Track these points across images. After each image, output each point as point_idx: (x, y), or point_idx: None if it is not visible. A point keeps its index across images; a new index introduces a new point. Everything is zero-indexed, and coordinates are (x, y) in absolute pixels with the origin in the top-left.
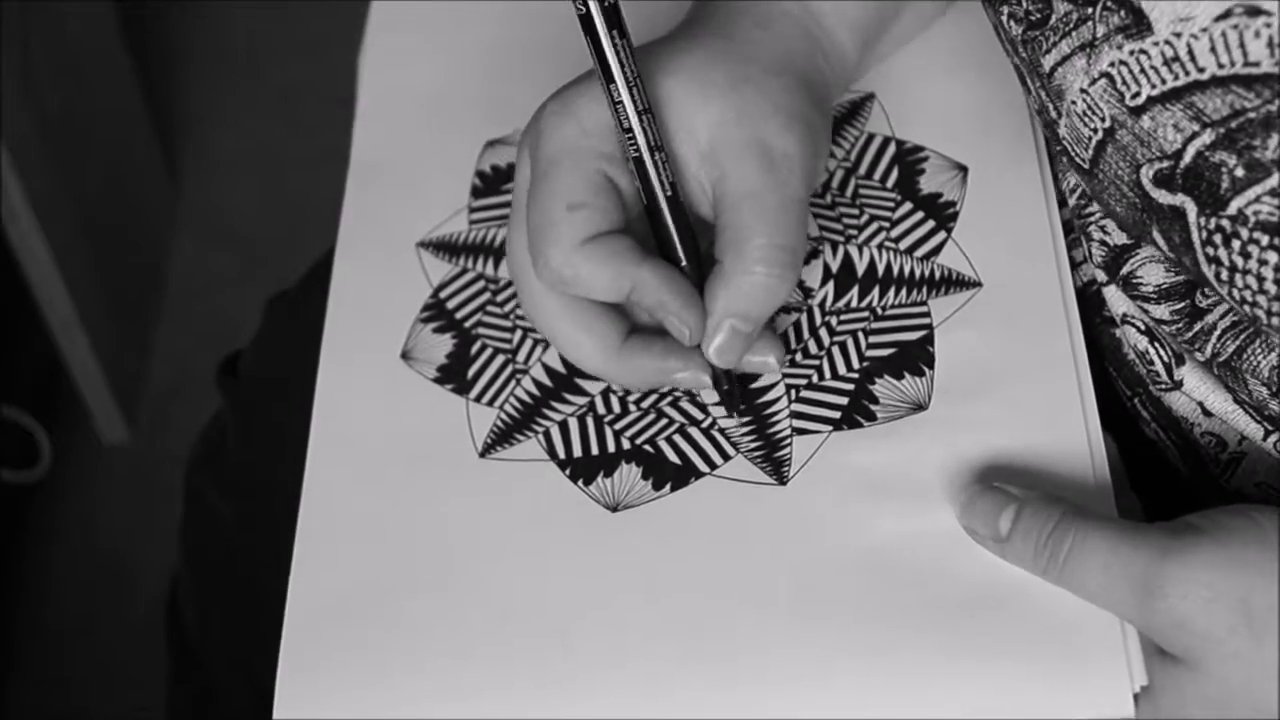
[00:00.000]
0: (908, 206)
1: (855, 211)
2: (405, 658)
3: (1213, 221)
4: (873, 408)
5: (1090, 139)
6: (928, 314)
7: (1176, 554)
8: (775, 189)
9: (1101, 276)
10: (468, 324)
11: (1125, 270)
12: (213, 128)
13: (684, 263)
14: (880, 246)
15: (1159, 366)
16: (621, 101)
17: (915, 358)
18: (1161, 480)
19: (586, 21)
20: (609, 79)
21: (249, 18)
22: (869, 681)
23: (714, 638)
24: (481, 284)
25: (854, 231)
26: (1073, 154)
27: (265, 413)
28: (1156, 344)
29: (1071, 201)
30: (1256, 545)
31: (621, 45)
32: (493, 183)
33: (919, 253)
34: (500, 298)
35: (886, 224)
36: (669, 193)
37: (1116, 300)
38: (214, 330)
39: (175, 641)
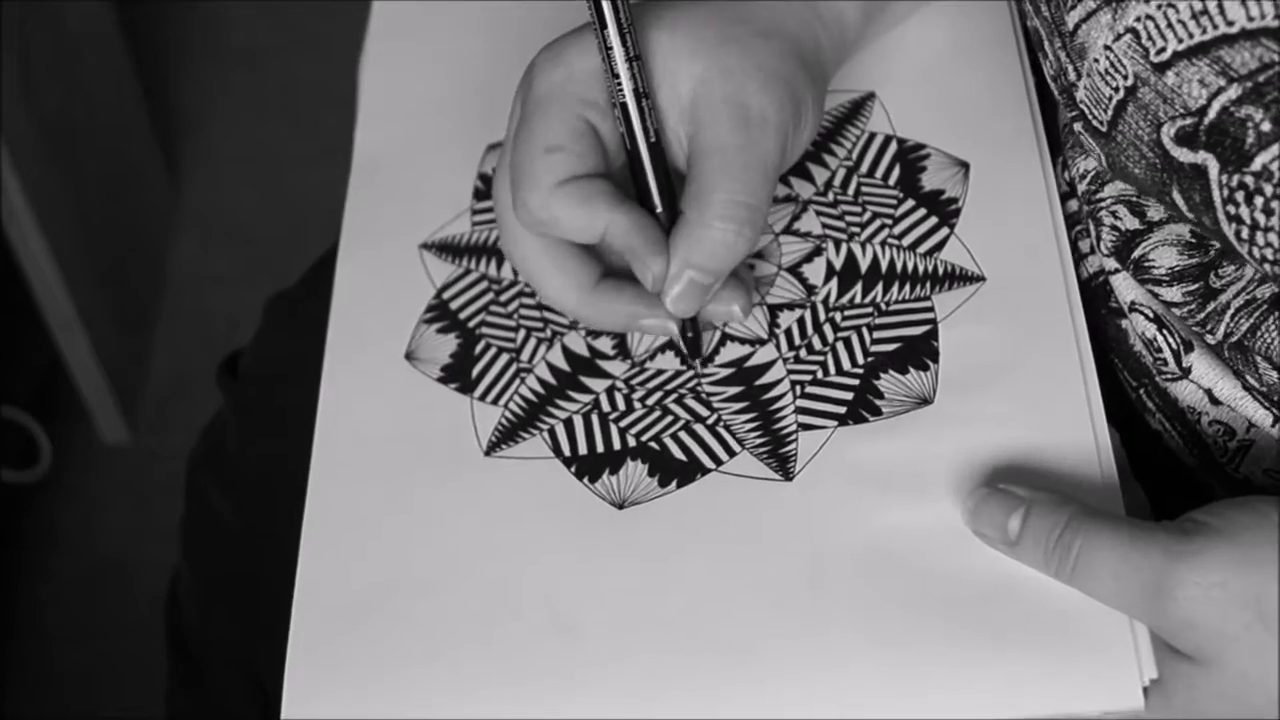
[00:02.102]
0: (910, 203)
1: (858, 209)
2: (413, 657)
3: (1235, 179)
4: (878, 403)
5: (1111, 99)
6: (931, 309)
7: (1187, 556)
8: (745, 147)
9: (1110, 264)
10: (471, 324)
11: (1137, 254)
12: (213, 128)
13: (659, 210)
14: (883, 243)
15: (1167, 354)
16: (612, 46)
17: (920, 352)
18: (1165, 469)
19: None
20: (601, 24)
21: (249, 17)
22: (877, 677)
23: (721, 634)
24: (484, 284)
25: (857, 229)
26: (1090, 117)
27: (266, 412)
28: (1165, 331)
29: (1082, 187)
30: (1266, 542)
31: None
32: None
33: (922, 249)
34: (504, 298)
35: (889, 221)
36: (652, 139)
37: (1125, 288)
38: (214, 330)
39: (176, 641)
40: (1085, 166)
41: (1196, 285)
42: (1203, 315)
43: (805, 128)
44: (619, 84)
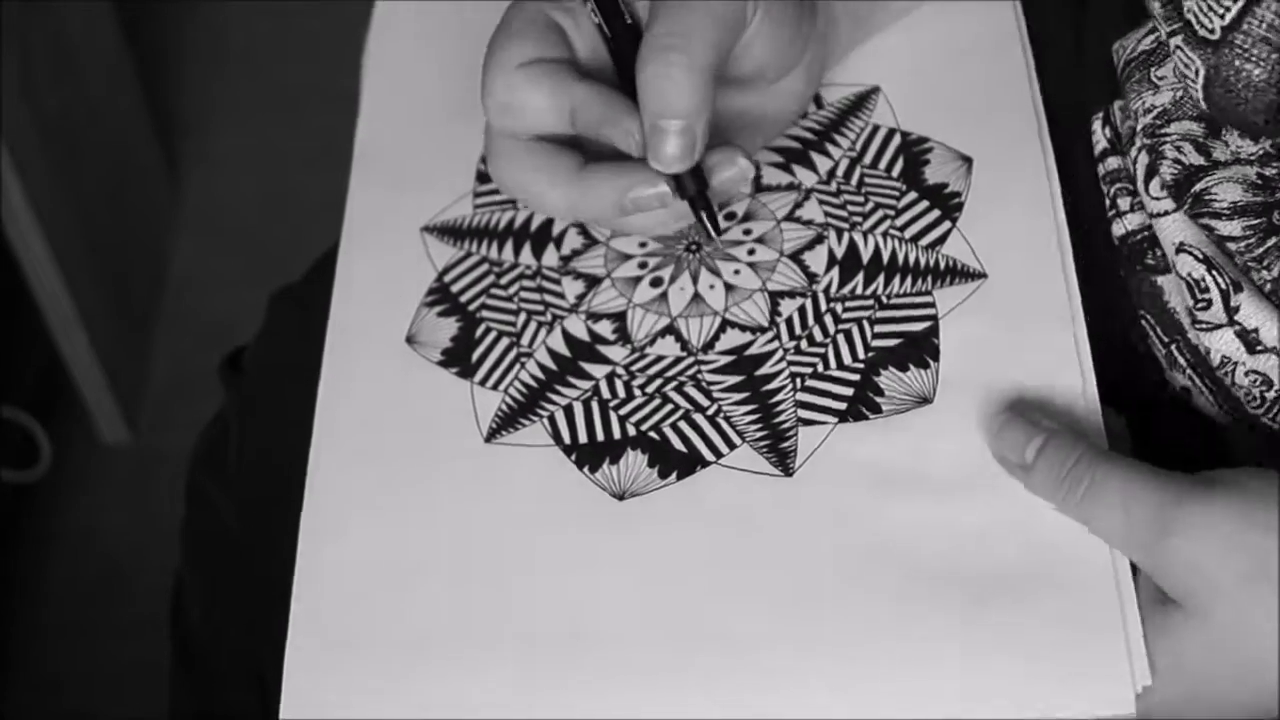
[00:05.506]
0: (913, 196)
1: (860, 199)
2: (412, 652)
3: None
4: (878, 400)
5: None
6: (933, 304)
7: (1196, 498)
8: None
9: (1161, 206)
10: (472, 307)
11: (1198, 188)
12: (213, 128)
13: None
14: (885, 234)
15: (1214, 294)
16: None
17: (921, 350)
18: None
19: None
20: None
21: (249, 18)
22: (871, 673)
23: (719, 629)
24: (486, 267)
25: (859, 218)
26: (1199, 24)
27: (269, 407)
28: (1214, 271)
29: (1145, 121)
30: (1270, 502)
31: None
32: None
33: (924, 241)
34: (504, 280)
35: (892, 212)
36: (629, 20)
37: (1175, 229)
38: (214, 330)
39: (178, 641)
40: (1153, 101)
41: (1259, 220)
42: (1261, 250)
43: (784, 31)
44: None
